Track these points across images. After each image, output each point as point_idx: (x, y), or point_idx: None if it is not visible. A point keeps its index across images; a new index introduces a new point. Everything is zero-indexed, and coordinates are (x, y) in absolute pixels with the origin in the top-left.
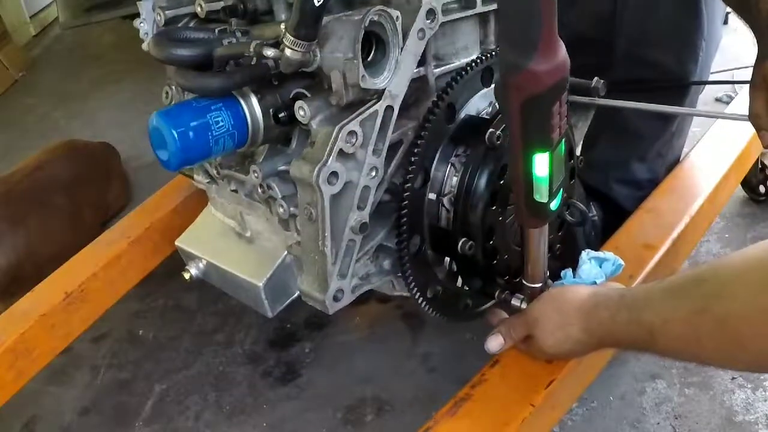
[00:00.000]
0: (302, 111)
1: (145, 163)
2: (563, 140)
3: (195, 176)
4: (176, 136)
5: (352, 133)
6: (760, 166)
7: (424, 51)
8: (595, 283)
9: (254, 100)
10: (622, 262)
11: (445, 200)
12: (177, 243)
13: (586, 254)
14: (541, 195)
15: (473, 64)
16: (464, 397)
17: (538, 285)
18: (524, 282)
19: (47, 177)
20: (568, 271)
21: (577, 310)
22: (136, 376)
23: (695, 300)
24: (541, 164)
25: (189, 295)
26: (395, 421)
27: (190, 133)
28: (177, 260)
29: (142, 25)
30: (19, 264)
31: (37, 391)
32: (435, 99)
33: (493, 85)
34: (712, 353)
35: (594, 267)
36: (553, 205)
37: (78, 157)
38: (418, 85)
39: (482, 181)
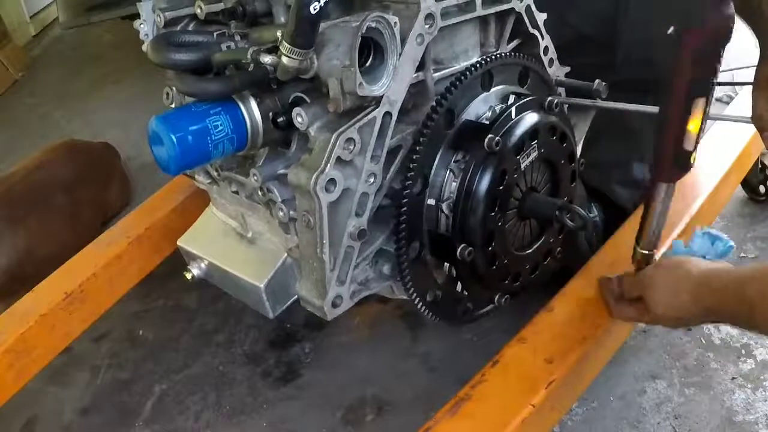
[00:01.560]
0: (300, 118)
1: (145, 163)
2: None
3: (196, 177)
4: (175, 140)
5: (350, 140)
6: (760, 166)
7: (423, 55)
8: (704, 257)
9: (254, 104)
10: (733, 244)
11: (444, 206)
12: (179, 243)
13: (700, 229)
14: (689, 143)
15: (473, 68)
16: (464, 397)
17: (650, 252)
18: (637, 249)
19: (47, 177)
20: (680, 242)
21: (693, 278)
22: (136, 376)
23: None
24: (698, 109)
25: (189, 295)
26: (395, 421)
27: (189, 138)
28: (177, 260)
29: (142, 26)
30: (19, 264)
31: (37, 391)
32: (434, 104)
33: (492, 89)
34: None
35: (706, 242)
36: (694, 156)
37: (78, 157)
38: (417, 89)
39: (482, 187)
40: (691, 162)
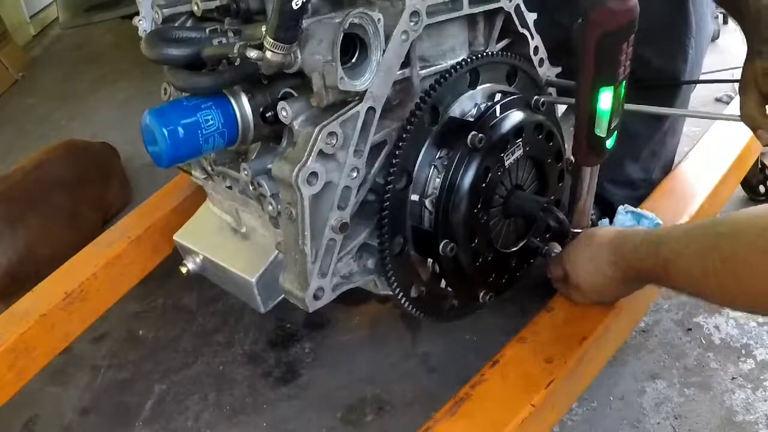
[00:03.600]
0: (284, 112)
1: (145, 163)
2: (624, 84)
3: (193, 172)
4: (166, 134)
5: (332, 134)
6: (760, 166)
7: (409, 52)
8: None
9: (244, 99)
10: (661, 222)
11: (428, 201)
12: (175, 237)
13: (623, 207)
14: (601, 129)
15: (458, 66)
16: (464, 397)
17: (582, 230)
18: (570, 229)
19: (47, 177)
20: (605, 221)
21: (606, 243)
22: (136, 376)
23: (708, 238)
24: (605, 99)
25: (189, 295)
26: (395, 421)
27: (180, 131)
28: (177, 260)
29: (140, 23)
30: (19, 264)
31: (37, 391)
32: (418, 100)
33: (478, 87)
34: (715, 290)
35: (629, 219)
36: (609, 142)
37: (78, 157)
38: (402, 86)
39: (464, 184)
40: (607, 146)
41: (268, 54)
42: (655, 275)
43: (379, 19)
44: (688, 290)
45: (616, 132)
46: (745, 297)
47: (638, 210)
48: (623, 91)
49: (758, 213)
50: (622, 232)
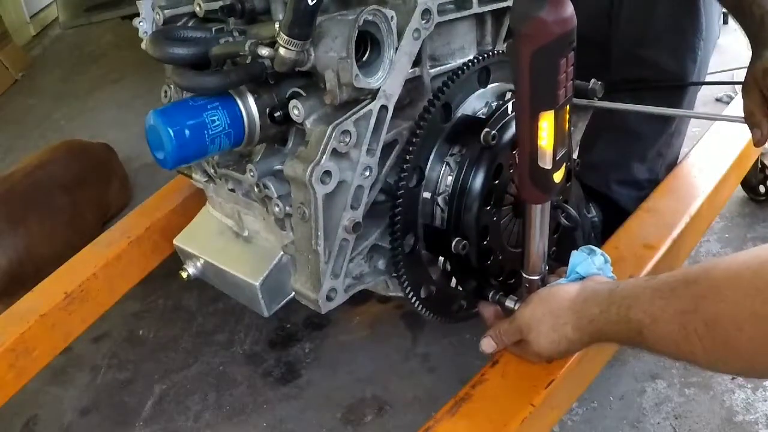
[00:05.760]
0: (296, 110)
1: (145, 163)
2: (568, 108)
3: (193, 175)
4: (172, 134)
5: (345, 132)
6: (760, 166)
7: (420, 51)
8: (581, 276)
9: (251, 100)
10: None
11: (440, 199)
12: (175, 242)
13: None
14: (544, 161)
15: (469, 64)
16: (464, 397)
17: (537, 277)
18: (523, 274)
19: (47, 177)
20: (562, 280)
21: (568, 309)
22: (136, 376)
23: (684, 300)
24: (546, 125)
25: (189, 295)
26: (395, 421)
27: (186, 132)
28: (177, 260)
29: (141, 24)
30: (20, 264)
31: (37, 391)
32: (431, 97)
33: (489, 86)
34: (701, 354)
35: (580, 255)
36: (557, 176)
37: (78, 157)
38: (413, 85)
39: (477, 181)
40: (555, 181)
41: (282, 51)
42: (629, 339)
43: (392, 17)
44: (669, 353)
45: (564, 165)
46: (739, 361)
47: (590, 248)
48: (568, 117)
49: (734, 272)
50: (583, 292)
